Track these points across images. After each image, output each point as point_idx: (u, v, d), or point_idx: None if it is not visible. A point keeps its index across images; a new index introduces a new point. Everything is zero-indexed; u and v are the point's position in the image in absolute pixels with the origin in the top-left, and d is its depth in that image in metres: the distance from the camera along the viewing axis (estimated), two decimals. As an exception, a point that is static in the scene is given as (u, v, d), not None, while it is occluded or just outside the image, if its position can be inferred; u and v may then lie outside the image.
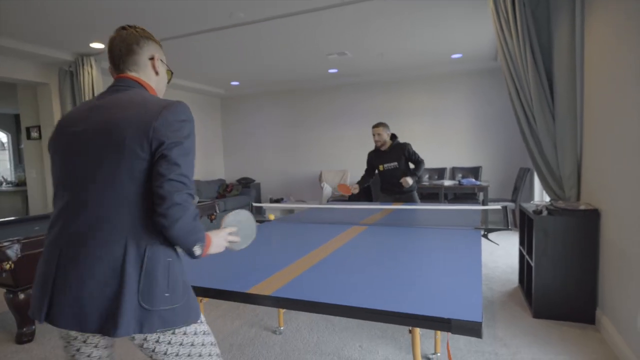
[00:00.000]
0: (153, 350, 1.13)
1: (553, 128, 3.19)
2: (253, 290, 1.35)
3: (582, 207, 2.73)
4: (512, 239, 5.33)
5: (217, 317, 3.13)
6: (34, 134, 5.80)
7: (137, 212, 1.09)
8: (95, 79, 5.35)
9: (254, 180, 8.28)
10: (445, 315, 1.10)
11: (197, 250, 1.15)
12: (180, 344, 1.15)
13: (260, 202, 8.23)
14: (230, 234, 1.35)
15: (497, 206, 2.44)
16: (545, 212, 2.87)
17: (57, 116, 5.50)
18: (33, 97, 5.68)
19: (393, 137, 4.03)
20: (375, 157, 4.10)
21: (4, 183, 8.14)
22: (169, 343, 1.14)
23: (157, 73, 1.30)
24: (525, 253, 3.28)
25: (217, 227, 6.31)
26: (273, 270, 1.58)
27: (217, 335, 2.81)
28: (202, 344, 1.20)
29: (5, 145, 9.96)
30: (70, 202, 1.12)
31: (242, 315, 3.15)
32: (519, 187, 5.73)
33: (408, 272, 1.52)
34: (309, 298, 1.26)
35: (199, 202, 4.38)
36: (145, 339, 1.11)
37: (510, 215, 6.47)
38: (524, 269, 3.37)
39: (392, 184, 4.06)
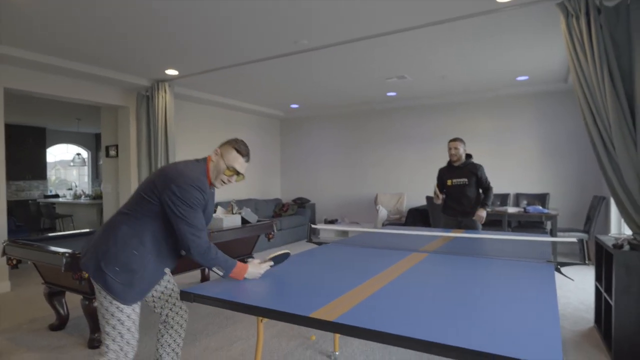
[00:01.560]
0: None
1: (636, 155, 2.94)
2: (316, 314, 1.36)
3: (672, 244, 2.47)
4: (585, 274, 4.90)
5: (272, 336, 3.16)
6: (112, 152, 6.33)
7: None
8: (169, 103, 5.77)
9: (309, 201, 8.39)
10: (521, 356, 1.03)
11: (218, 271, 1.77)
12: (101, 303, 1.73)
13: (314, 222, 8.30)
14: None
15: (572, 239, 2.27)
16: (627, 247, 2.62)
17: (133, 136, 5.97)
18: (114, 119, 6.23)
19: (468, 156, 4.05)
20: (445, 172, 4.12)
21: (83, 196, 8.92)
22: (101, 297, 1.73)
23: (213, 160, 1.90)
24: (603, 290, 3.00)
25: (275, 245, 6.52)
26: (334, 295, 1.58)
27: (271, 355, 2.83)
28: (111, 314, 1.71)
29: (86, 161, 10.98)
30: None
31: (296, 336, 3.16)
32: (593, 217, 5.29)
33: (475, 306, 1.45)
34: (371, 326, 1.24)
35: (258, 221, 4.51)
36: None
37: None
38: (602, 307, 3.08)
39: (457, 203, 3.98)
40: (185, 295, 1.59)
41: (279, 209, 7.84)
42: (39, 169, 9.89)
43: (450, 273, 1.98)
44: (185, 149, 6.57)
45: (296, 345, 2.99)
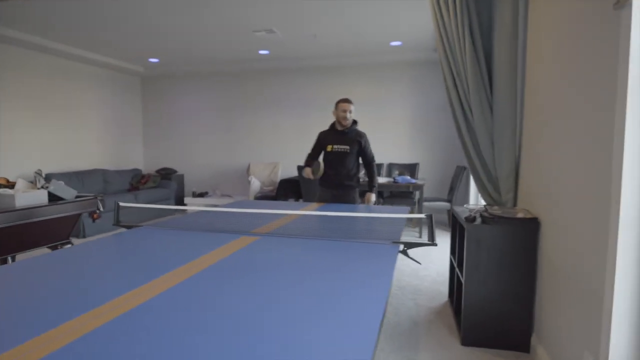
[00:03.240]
0: None
1: (491, 121, 2.77)
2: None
3: (520, 215, 2.31)
4: (449, 241, 5.00)
5: None
6: None
7: None
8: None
9: (176, 172, 7.41)
10: None
11: None
12: None
13: (183, 195, 7.39)
14: None
15: (422, 215, 1.94)
16: (479, 220, 2.42)
17: None
18: None
19: (354, 122, 3.57)
20: (326, 136, 3.59)
21: None
22: None
23: None
24: (455, 265, 2.85)
25: (101, 227, 5.38)
26: (71, 313, 0.92)
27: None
28: None
29: None
30: None
31: None
32: (455, 186, 5.42)
33: (287, 306, 0.93)
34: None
35: (77, 196, 3.54)
36: None
37: (447, 219, 6.20)
38: (454, 282, 2.95)
39: (335, 173, 3.53)
40: None
41: (137, 181, 6.74)
42: None
43: (273, 260, 1.46)
44: (10, 105, 5.08)
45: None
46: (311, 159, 3.70)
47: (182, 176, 7.51)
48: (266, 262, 1.51)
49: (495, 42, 2.68)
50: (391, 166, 6.40)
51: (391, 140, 6.47)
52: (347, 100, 3.52)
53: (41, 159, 5.72)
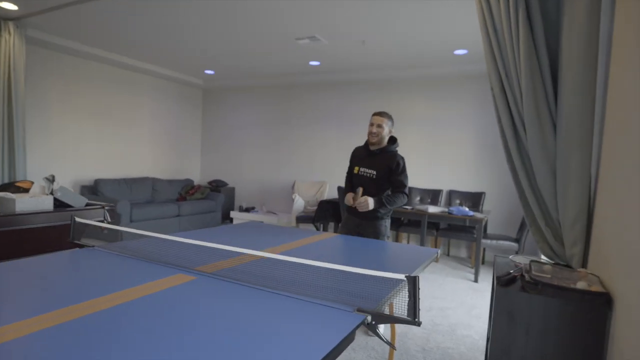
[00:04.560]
0: None
1: (553, 142, 1.98)
2: None
3: (581, 285, 1.52)
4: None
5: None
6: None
7: None
8: (17, 50, 4.52)
9: (226, 184, 7.29)
10: None
11: None
12: None
13: (231, 209, 7.22)
14: None
15: (400, 275, 1.28)
16: (517, 283, 1.67)
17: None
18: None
19: (392, 140, 2.93)
20: (357, 154, 3.04)
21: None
22: None
23: None
24: (487, 340, 2.06)
25: (108, 238, 5.11)
26: None
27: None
28: None
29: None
30: None
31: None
32: (526, 224, 4.41)
33: None
34: None
35: (87, 204, 3.40)
36: None
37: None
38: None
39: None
40: None
41: (185, 192, 6.71)
42: None
43: (188, 313, 0.96)
44: (74, 115, 5.35)
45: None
46: (349, 181, 3.13)
47: (232, 189, 7.38)
48: (180, 311, 1.01)
49: (563, 33, 1.92)
50: (451, 194, 5.54)
51: (452, 165, 5.61)
52: (378, 113, 2.89)
53: (96, 166, 5.92)
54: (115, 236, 4.41)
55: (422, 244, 4.68)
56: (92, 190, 5.57)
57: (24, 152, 4.69)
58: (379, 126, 2.83)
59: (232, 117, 7.47)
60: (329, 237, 2.58)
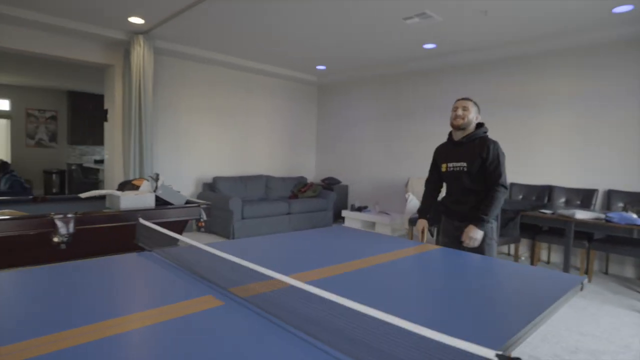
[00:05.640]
0: None
1: None
2: None
3: None
4: None
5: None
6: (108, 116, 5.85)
7: None
8: (146, 60, 4.99)
9: (339, 182, 7.08)
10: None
11: None
12: None
13: (344, 208, 6.99)
14: None
15: (488, 352, 0.75)
16: None
17: (119, 98, 5.35)
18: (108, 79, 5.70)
19: (479, 125, 2.46)
20: (441, 151, 2.62)
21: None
22: None
23: None
24: None
25: (203, 237, 5.25)
26: None
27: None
28: None
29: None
30: None
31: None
32: None
33: None
34: None
35: (187, 202, 3.48)
36: None
37: None
38: None
39: (456, 201, 2.51)
40: None
41: (298, 190, 6.70)
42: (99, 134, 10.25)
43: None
44: (195, 117, 5.82)
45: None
46: (430, 191, 2.67)
47: (346, 187, 7.14)
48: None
49: None
50: (611, 195, 4.31)
51: (611, 157, 4.36)
52: (462, 98, 2.47)
53: (217, 165, 6.29)
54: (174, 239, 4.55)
55: (566, 259, 3.71)
56: (211, 187, 5.91)
57: (151, 151, 5.17)
58: (465, 109, 2.38)
59: (347, 112, 7.22)
60: (425, 250, 2.07)
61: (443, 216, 2.63)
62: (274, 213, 5.80)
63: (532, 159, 4.92)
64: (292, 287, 1.26)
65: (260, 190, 6.35)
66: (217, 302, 1.22)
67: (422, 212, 2.64)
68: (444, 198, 2.61)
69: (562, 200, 4.60)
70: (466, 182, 2.39)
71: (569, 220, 3.58)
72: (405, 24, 4.26)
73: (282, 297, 1.27)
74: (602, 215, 3.56)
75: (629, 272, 4.31)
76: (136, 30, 4.87)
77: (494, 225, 2.40)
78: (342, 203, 7.00)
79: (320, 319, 1.10)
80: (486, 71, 5.32)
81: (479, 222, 2.27)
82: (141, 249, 1.87)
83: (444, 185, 2.64)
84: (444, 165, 2.52)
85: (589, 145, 4.50)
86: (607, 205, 4.32)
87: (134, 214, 3.14)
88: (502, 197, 2.31)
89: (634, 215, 3.35)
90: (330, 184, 7.00)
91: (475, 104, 2.43)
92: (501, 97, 5.14)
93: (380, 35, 4.70)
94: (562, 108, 4.67)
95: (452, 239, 2.49)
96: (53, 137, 9.90)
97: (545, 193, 4.72)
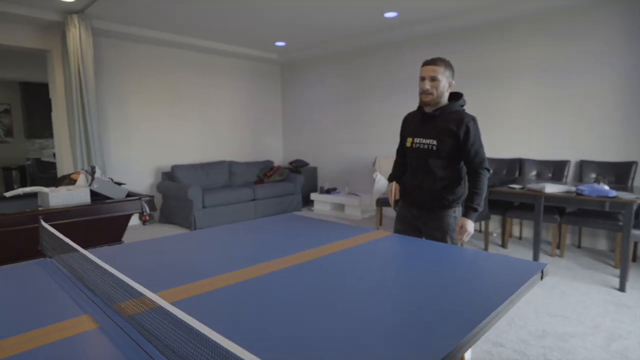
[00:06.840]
0: None
1: None
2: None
3: None
4: (676, 310, 2.71)
5: None
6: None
7: None
8: (84, 42, 4.53)
9: (307, 164, 6.80)
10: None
11: None
12: None
13: (314, 191, 6.72)
14: None
15: None
16: None
17: (60, 85, 4.89)
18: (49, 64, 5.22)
19: (455, 96, 2.10)
20: (408, 122, 2.28)
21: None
22: None
23: None
24: None
25: (163, 229, 4.84)
26: None
27: None
28: None
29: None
30: None
31: None
32: None
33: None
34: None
35: (128, 194, 3.15)
36: None
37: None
38: None
39: (418, 184, 2.15)
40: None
41: (263, 174, 6.40)
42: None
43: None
44: (144, 100, 5.40)
45: None
46: (401, 158, 2.35)
47: (315, 169, 6.86)
48: None
49: None
50: (583, 166, 4.13)
51: (583, 126, 4.17)
52: (429, 62, 2.01)
53: (175, 152, 5.91)
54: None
55: (536, 236, 3.53)
56: (170, 176, 5.56)
57: (99, 142, 4.78)
58: (433, 79, 1.98)
59: (312, 91, 6.87)
60: (377, 237, 1.83)
61: (401, 200, 2.35)
62: (238, 200, 5.51)
63: (501, 132, 4.71)
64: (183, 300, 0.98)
65: (223, 177, 6.02)
66: (91, 325, 1.00)
67: (393, 177, 2.33)
68: (404, 178, 2.26)
69: (534, 173, 4.41)
70: (433, 164, 2.06)
71: (538, 194, 3.38)
72: (360, -10, 3.91)
73: (160, 317, 0.99)
74: (573, 188, 3.37)
75: (602, 244, 4.18)
76: (69, 10, 4.40)
77: (458, 211, 2.11)
78: (311, 186, 6.73)
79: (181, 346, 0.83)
80: (450, 41, 5.03)
81: (471, 214, 1.99)
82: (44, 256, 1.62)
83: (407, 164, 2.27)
84: (409, 140, 2.17)
85: (558, 115, 4.29)
86: (580, 177, 4.15)
87: (63, 213, 2.83)
88: (486, 183, 2.03)
89: (606, 187, 3.16)
90: (298, 166, 6.71)
91: (447, 65, 2.01)
92: (467, 69, 4.87)
93: (337, 1, 4.34)
94: (528, 78, 4.43)
95: (408, 227, 2.22)
96: (9, 132, 9.34)
97: (516, 167, 4.52)
